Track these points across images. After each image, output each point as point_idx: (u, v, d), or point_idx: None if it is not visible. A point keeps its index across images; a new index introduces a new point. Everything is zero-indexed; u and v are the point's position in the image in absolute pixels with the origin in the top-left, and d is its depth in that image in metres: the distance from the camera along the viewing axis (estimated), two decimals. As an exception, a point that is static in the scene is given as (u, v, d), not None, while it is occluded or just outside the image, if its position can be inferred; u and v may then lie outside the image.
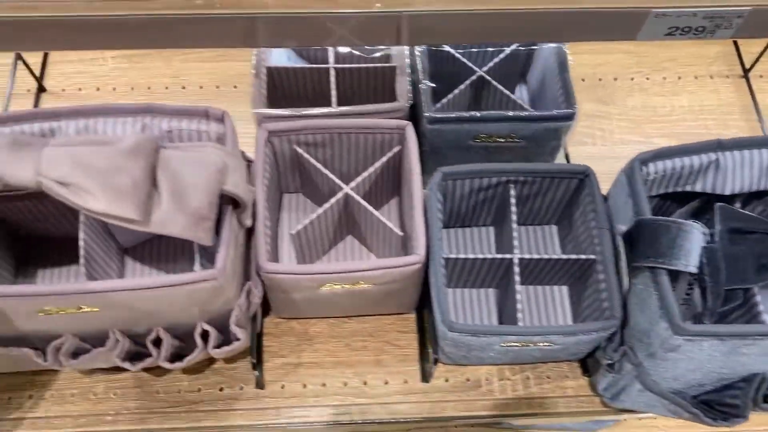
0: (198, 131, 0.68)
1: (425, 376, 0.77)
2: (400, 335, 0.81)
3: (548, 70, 0.83)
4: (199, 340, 0.68)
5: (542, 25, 0.57)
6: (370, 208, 0.74)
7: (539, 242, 0.82)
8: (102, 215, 0.54)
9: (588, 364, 0.78)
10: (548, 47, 0.83)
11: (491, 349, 0.69)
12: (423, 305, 0.80)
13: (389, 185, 0.83)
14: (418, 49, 0.78)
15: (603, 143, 0.93)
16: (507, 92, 0.79)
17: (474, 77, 0.80)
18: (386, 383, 0.78)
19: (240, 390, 0.77)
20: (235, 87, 0.96)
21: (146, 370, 0.78)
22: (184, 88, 0.95)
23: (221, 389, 0.77)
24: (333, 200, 0.75)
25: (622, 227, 0.68)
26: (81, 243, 0.68)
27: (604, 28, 0.58)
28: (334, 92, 0.80)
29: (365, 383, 0.78)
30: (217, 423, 0.76)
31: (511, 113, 0.75)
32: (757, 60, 0.98)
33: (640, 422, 0.99)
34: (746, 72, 0.99)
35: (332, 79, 0.80)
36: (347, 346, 0.80)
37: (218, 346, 0.69)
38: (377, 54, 0.87)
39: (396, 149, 0.77)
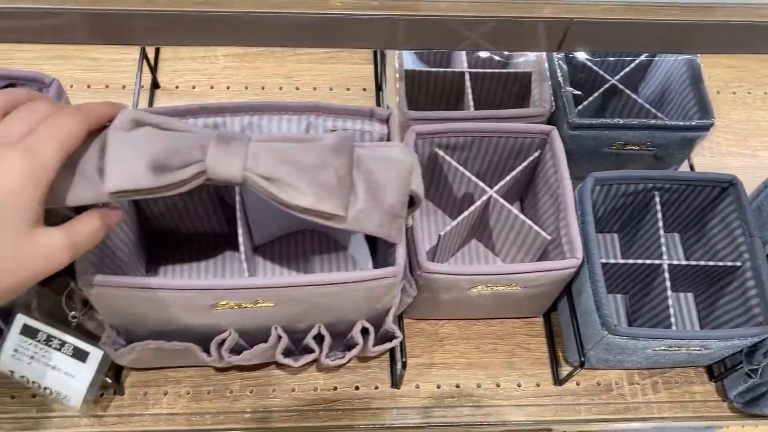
0: (362, 131, 0.68)
1: (558, 379, 0.78)
2: (529, 338, 0.81)
3: (675, 80, 0.84)
4: (359, 337, 0.68)
5: (697, 37, 0.58)
6: (515, 210, 0.75)
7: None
8: (308, 211, 0.55)
9: (714, 369, 0.79)
10: (673, 58, 0.85)
11: (641, 353, 0.70)
12: (551, 309, 0.81)
13: (516, 190, 0.84)
14: (557, 56, 0.79)
15: (711, 155, 0.95)
16: (641, 101, 0.81)
17: (607, 85, 0.81)
18: (519, 386, 0.79)
19: (375, 389, 0.77)
20: (347, 89, 0.96)
21: (279, 367, 0.78)
22: (297, 89, 0.95)
23: (357, 388, 0.77)
24: (478, 202, 0.76)
25: (774, 235, 0.69)
26: (240, 239, 0.68)
27: (762, 40, 0.59)
28: (470, 96, 0.80)
29: (498, 385, 0.79)
30: (353, 422, 0.76)
31: (652, 121, 0.76)
32: None
33: (743, 429, 1.01)
34: None
35: (467, 83, 0.81)
36: (477, 348, 0.81)
37: (371, 345, 0.70)
38: (497, 58, 0.88)
39: (536, 154, 0.78)
